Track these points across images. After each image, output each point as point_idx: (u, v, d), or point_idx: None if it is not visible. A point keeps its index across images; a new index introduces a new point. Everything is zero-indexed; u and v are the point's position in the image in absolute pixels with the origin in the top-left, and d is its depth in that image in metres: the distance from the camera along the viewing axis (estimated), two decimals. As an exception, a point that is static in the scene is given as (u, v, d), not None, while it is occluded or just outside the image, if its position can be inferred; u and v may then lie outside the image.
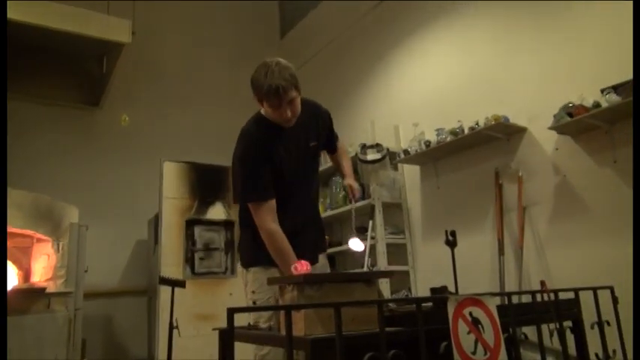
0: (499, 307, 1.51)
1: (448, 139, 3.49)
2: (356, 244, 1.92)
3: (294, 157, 2.06)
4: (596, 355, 1.81)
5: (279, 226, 1.94)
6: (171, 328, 2.73)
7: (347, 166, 2.34)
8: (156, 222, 4.12)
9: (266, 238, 1.94)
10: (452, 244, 2.19)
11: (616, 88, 2.63)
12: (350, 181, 2.25)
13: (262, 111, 2.05)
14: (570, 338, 1.80)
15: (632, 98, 2.50)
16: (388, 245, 3.87)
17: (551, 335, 1.72)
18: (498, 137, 3.33)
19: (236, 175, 2.07)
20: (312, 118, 2.15)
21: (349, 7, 4.98)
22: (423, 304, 1.45)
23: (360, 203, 4.05)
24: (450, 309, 1.40)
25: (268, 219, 1.93)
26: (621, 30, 2.68)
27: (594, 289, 1.86)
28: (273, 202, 1.96)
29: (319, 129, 2.18)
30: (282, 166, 2.01)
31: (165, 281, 2.79)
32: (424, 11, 4.11)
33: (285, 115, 1.94)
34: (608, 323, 1.85)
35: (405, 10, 4.31)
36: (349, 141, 3.94)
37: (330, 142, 2.32)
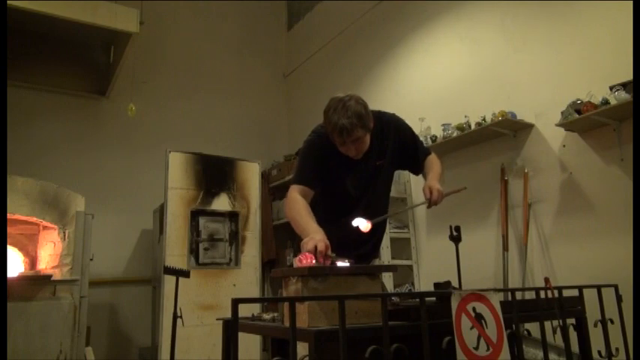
0: (502, 303, 1.51)
1: (454, 134, 3.48)
2: (362, 223, 1.87)
3: (359, 174, 2.06)
4: (599, 352, 1.81)
5: (300, 196, 1.99)
6: (175, 317, 2.75)
7: (433, 171, 2.13)
8: (161, 212, 4.14)
9: (289, 201, 2.00)
10: (456, 239, 2.18)
11: (625, 86, 2.61)
12: (430, 182, 2.04)
13: None
14: (573, 336, 1.80)
15: (632, 99, 2.49)
16: (392, 240, 3.87)
17: (554, 332, 1.72)
18: (505, 133, 3.32)
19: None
20: (384, 134, 2.10)
21: (356, 1, 4.95)
22: (427, 299, 1.46)
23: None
24: (454, 304, 1.40)
25: (296, 192, 2.00)
26: (631, 27, 2.66)
27: (598, 287, 1.86)
28: (311, 192, 2.01)
29: (390, 148, 2.11)
30: (343, 181, 2.05)
31: (169, 271, 2.80)
32: (431, 6, 4.09)
33: (349, 152, 1.96)
34: (612, 321, 1.85)
35: (412, 5, 4.29)
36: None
37: (413, 162, 2.21)
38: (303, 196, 2.00)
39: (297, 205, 1.94)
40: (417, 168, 2.23)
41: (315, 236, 1.73)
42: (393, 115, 2.20)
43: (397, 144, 2.13)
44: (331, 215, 2.05)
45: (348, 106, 1.87)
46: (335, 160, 2.03)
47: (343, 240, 1.99)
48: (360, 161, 2.04)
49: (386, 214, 2.23)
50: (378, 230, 2.20)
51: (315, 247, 1.66)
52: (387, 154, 2.11)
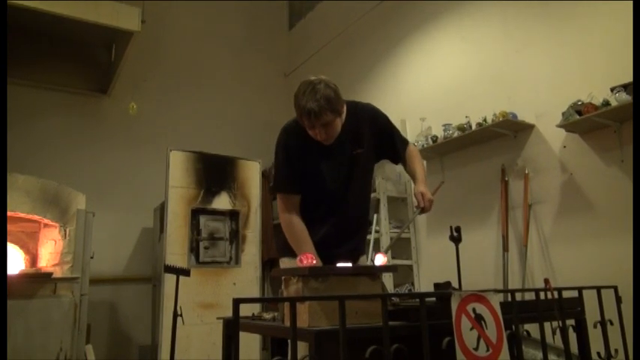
0: (502, 304, 1.51)
1: (455, 134, 3.48)
2: (379, 260, 1.81)
3: (336, 164, 2.01)
4: (598, 354, 1.81)
5: (299, 218, 1.98)
6: (175, 315, 2.75)
7: (419, 172, 2.12)
8: (162, 210, 4.15)
9: (285, 228, 1.99)
10: (456, 239, 2.18)
11: (626, 87, 2.61)
12: (421, 187, 2.02)
13: None
14: (573, 337, 1.80)
15: (632, 100, 2.49)
16: (392, 239, 3.87)
17: (554, 333, 1.72)
18: (505, 134, 3.32)
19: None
20: (360, 123, 2.05)
21: (357, 1, 4.95)
22: (427, 299, 1.46)
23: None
24: (454, 305, 1.40)
25: (288, 210, 1.99)
26: (632, 29, 2.66)
27: (598, 288, 1.86)
28: (296, 197, 2.00)
29: (368, 136, 2.06)
30: (321, 173, 2.00)
31: (170, 269, 2.80)
32: (433, 6, 4.09)
33: (319, 136, 1.91)
34: (611, 322, 1.85)
35: (414, 4, 4.28)
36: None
37: (391, 151, 2.16)
38: (292, 205, 1.99)
39: (292, 231, 1.96)
40: (397, 157, 2.19)
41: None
42: (369, 104, 2.16)
43: (374, 131, 2.09)
44: (312, 211, 2.01)
45: (317, 89, 1.83)
46: (308, 150, 1.98)
47: (326, 238, 1.97)
48: (335, 150, 1.99)
49: (367, 209, 2.18)
50: (361, 227, 2.16)
51: None
52: (365, 143, 2.06)
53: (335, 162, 2.01)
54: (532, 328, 2.01)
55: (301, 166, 2.00)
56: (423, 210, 2.01)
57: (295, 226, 1.96)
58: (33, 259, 3.51)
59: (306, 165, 2.00)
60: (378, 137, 2.11)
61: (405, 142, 2.21)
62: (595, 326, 1.84)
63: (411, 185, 4.08)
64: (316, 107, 1.81)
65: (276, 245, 2.19)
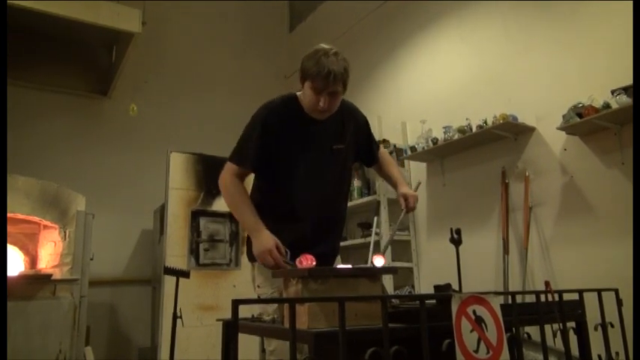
0: (503, 306, 1.50)
1: (455, 136, 3.48)
2: (378, 262, 1.76)
3: (313, 156, 1.94)
4: (599, 356, 1.81)
5: (241, 183, 1.93)
6: (174, 317, 2.75)
7: (396, 174, 2.16)
8: (162, 212, 4.14)
9: (227, 187, 1.93)
10: (457, 242, 2.17)
11: (626, 90, 2.61)
12: (404, 189, 2.07)
13: (299, 94, 1.93)
14: (573, 339, 1.79)
15: (632, 102, 2.49)
16: (392, 242, 3.86)
17: (555, 336, 1.71)
18: (506, 136, 3.32)
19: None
20: (344, 119, 2.01)
21: (358, 3, 4.96)
22: (427, 301, 1.45)
23: (366, 199, 4.07)
24: (454, 307, 1.40)
25: (232, 177, 1.92)
26: (632, 30, 2.66)
27: (599, 291, 1.85)
28: (246, 173, 1.96)
29: (350, 133, 2.02)
30: (297, 166, 1.92)
31: (169, 271, 2.79)
32: (434, 7, 4.09)
33: (322, 104, 1.82)
34: (612, 325, 1.84)
35: (415, 7, 4.29)
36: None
37: (367, 153, 2.17)
38: (239, 175, 1.92)
39: (237, 195, 1.91)
40: (371, 160, 2.20)
41: (266, 244, 1.78)
42: (351, 102, 2.14)
43: (355, 130, 2.06)
44: (285, 209, 1.93)
45: (340, 57, 1.83)
46: (287, 136, 1.90)
47: (300, 237, 1.90)
48: (315, 142, 1.94)
49: (344, 207, 2.13)
50: (337, 226, 2.10)
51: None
52: (347, 139, 2.00)
53: (313, 154, 1.94)
54: (532, 331, 2.00)
55: (275, 152, 1.90)
56: (408, 210, 2.05)
57: (239, 189, 1.91)
58: (32, 260, 3.51)
59: (280, 153, 1.91)
60: (358, 137, 2.10)
61: (377, 146, 2.24)
62: (596, 329, 1.83)
63: (411, 187, 4.07)
64: (338, 70, 1.78)
65: (249, 249, 2.14)
